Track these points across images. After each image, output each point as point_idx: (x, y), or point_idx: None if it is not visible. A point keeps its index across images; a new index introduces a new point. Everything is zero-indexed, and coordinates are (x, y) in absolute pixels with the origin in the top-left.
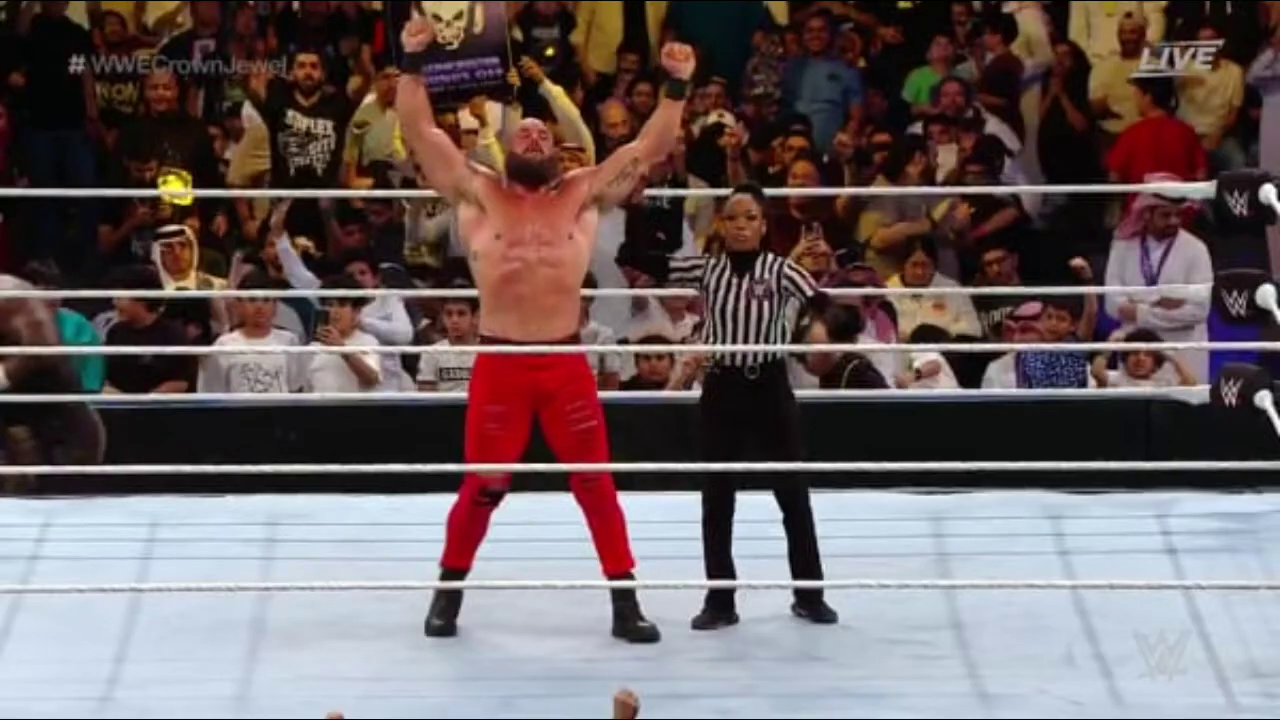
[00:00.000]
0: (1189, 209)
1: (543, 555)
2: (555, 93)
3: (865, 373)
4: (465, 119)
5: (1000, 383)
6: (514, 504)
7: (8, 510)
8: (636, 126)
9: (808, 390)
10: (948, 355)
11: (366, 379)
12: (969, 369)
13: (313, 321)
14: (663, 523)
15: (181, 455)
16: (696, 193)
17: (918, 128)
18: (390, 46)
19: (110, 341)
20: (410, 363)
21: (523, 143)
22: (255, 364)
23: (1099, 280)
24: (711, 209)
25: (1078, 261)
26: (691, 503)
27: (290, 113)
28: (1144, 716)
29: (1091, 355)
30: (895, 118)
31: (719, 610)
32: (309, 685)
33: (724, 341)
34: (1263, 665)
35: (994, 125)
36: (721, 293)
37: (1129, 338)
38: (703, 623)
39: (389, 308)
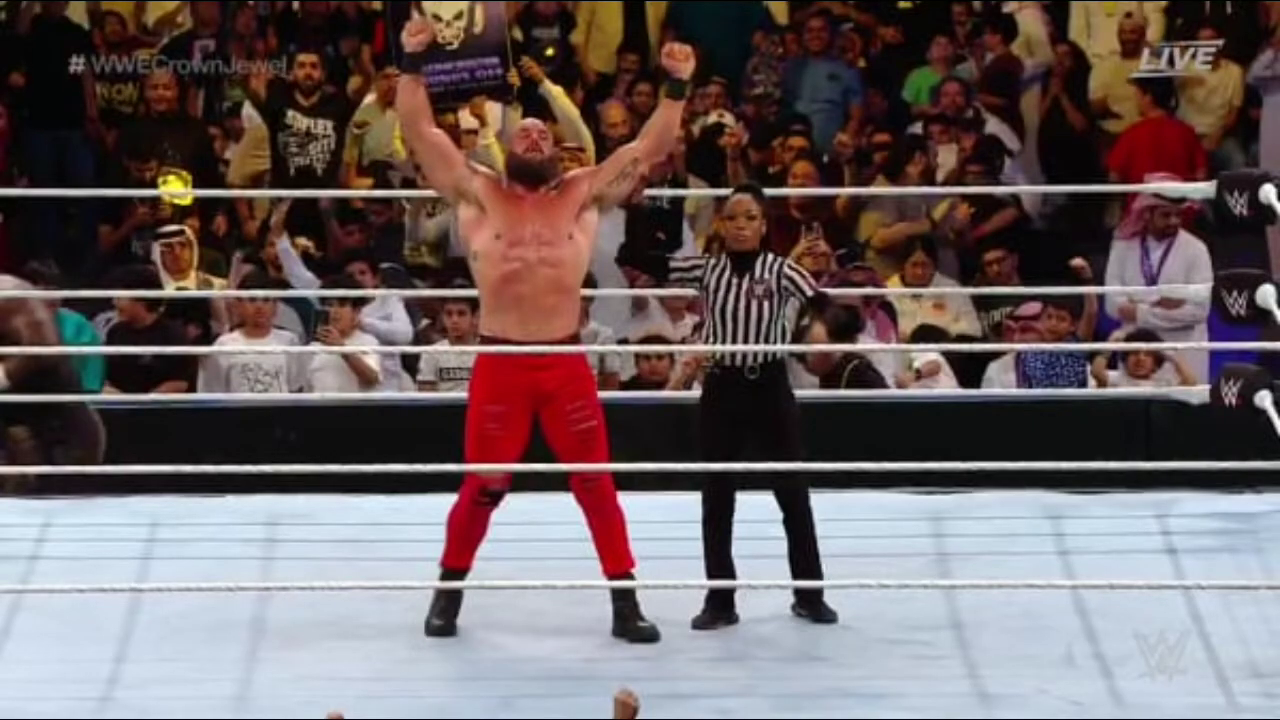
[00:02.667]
0: (1189, 209)
1: (543, 555)
2: (555, 93)
3: (865, 373)
4: (465, 119)
5: (1000, 383)
6: (514, 504)
7: (8, 510)
8: (636, 126)
9: (808, 390)
10: (948, 355)
11: (366, 379)
12: (969, 369)
13: (313, 321)
14: (663, 523)
15: (181, 455)
16: (696, 193)
17: (918, 128)
18: (390, 46)
19: (110, 341)
20: (410, 363)
21: (523, 143)
22: (255, 364)
23: (1099, 280)
24: (711, 209)
25: (1078, 261)
26: (691, 503)
27: (290, 113)
28: (1144, 717)
29: (1091, 355)
30: (895, 118)
31: (719, 610)
32: (309, 685)
33: (724, 341)
34: (1263, 665)
35: (994, 125)
36: (721, 293)
37: (1129, 338)
38: (703, 623)
39: (389, 308)
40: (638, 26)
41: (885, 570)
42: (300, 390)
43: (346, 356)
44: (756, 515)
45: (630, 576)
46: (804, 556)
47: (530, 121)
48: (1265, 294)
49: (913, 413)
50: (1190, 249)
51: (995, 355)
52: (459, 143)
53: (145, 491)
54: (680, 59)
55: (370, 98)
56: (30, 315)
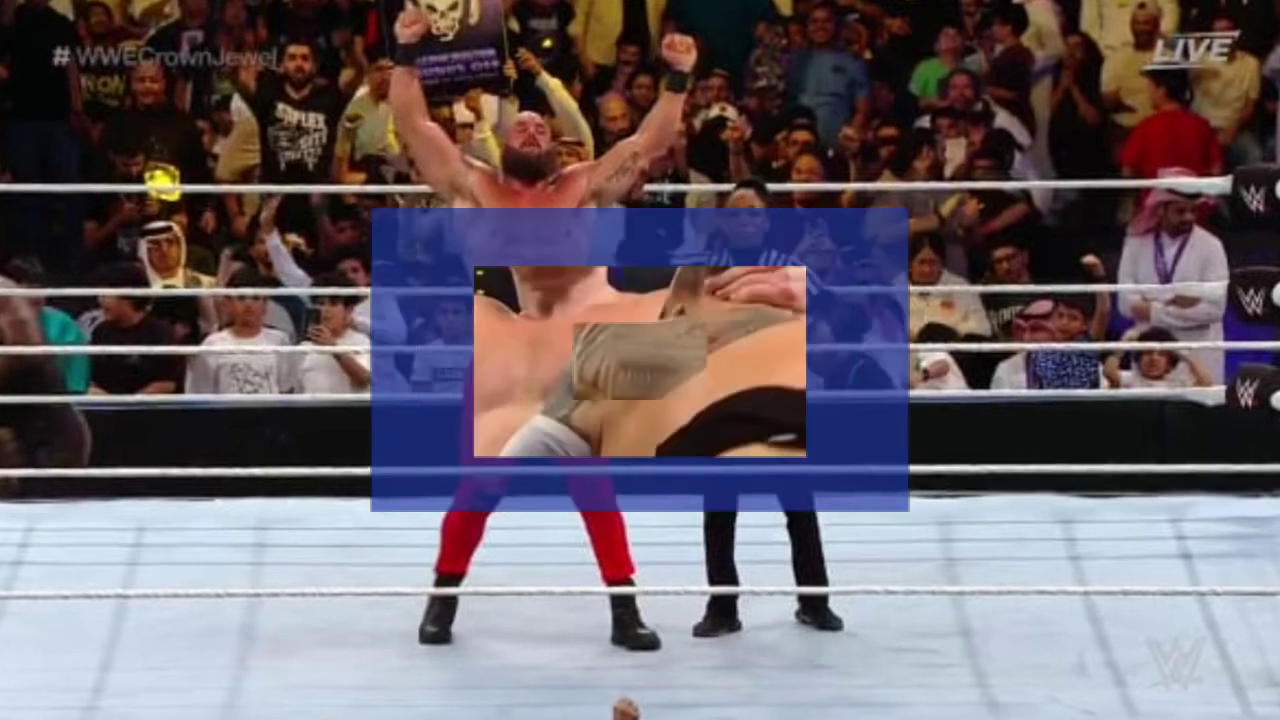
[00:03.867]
0: (1204, 205)
1: (540, 560)
2: (553, 85)
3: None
4: (460, 112)
5: (1010, 383)
6: (510, 508)
7: None
8: (636, 120)
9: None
10: (956, 355)
11: (359, 379)
12: (978, 369)
13: (304, 320)
14: (663, 527)
15: (169, 457)
16: (698, 188)
17: (925, 121)
18: (383, 38)
19: (96, 341)
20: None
21: (520, 137)
22: (245, 364)
23: (1111, 278)
24: (713, 204)
25: (1090, 259)
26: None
27: (281, 106)
28: None
29: (1104, 355)
30: (902, 111)
31: (721, 617)
32: (300, 693)
33: None
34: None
35: (1004, 119)
36: None
37: (1142, 337)
38: (705, 630)
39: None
40: (637, 18)
41: (891, 576)
42: (291, 391)
43: (338, 356)
44: (759, 520)
45: (630, 582)
46: (808, 562)
47: (527, 115)
48: None
49: (920, 414)
50: (1205, 246)
51: (1005, 355)
52: (454, 137)
53: (132, 495)
54: (681, 51)
55: (363, 90)
56: (13, 314)
